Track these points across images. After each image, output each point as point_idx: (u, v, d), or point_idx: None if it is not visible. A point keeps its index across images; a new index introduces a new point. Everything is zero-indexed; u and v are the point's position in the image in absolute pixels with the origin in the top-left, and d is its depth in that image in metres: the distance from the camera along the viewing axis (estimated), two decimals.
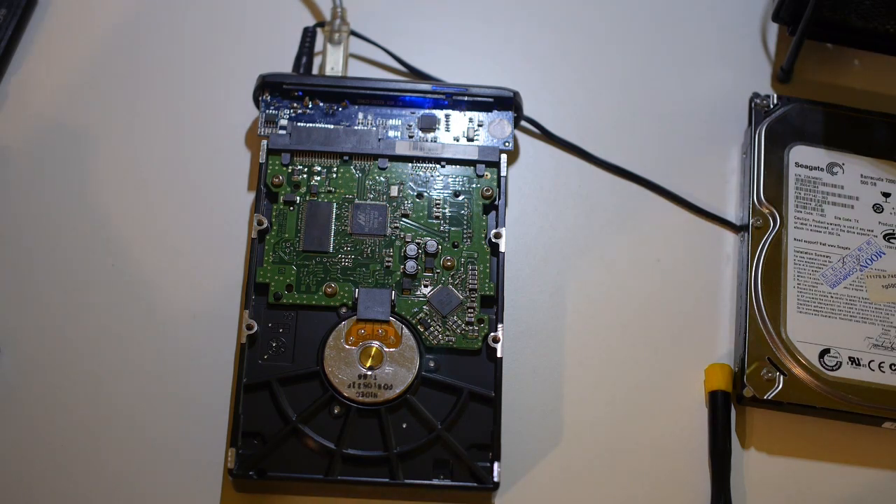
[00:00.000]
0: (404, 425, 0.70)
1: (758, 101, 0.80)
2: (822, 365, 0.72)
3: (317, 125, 0.77)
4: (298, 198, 0.75)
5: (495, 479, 0.68)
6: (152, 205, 0.77)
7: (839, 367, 0.72)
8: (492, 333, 0.72)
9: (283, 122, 0.77)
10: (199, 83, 0.82)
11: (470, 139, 0.78)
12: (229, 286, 0.75)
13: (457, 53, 0.84)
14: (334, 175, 0.76)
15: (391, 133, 0.78)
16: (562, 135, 0.81)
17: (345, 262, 0.74)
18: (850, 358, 0.72)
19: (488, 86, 0.79)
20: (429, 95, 0.78)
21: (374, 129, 0.77)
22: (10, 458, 0.70)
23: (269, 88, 0.78)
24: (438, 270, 0.74)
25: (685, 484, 0.72)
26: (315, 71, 0.81)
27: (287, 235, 0.74)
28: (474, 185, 0.76)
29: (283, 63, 0.81)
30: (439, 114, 0.78)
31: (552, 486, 0.71)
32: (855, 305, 0.74)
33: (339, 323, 0.72)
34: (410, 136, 0.78)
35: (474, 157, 0.77)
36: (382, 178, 0.76)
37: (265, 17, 0.84)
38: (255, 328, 0.71)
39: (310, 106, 0.78)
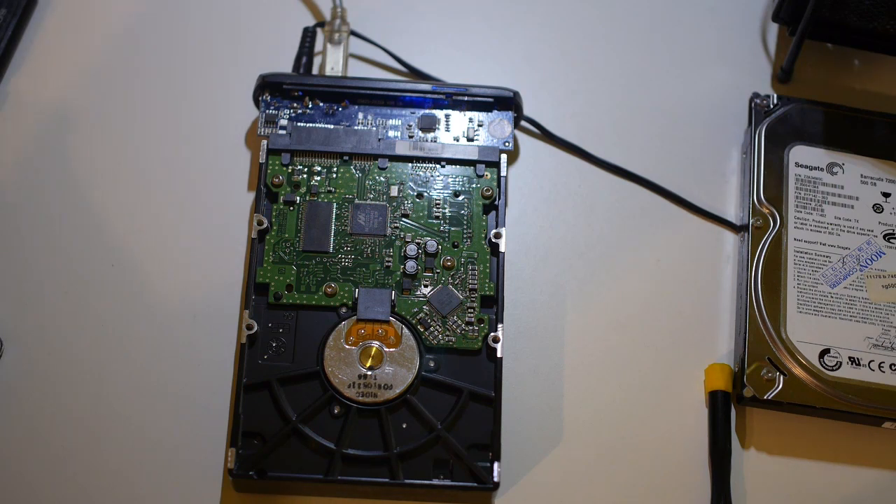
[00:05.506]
0: (404, 425, 0.70)
1: (758, 101, 0.80)
2: (822, 365, 0.72)
3: (317, 125, 0.77)
4: (298, 198, 0.75)
5: (495, 479, 0.68)
6: (152, 205, 0.77)
7: (839, 367, 0.72)
8: (492, 333, 0.72)
9: (283, 122, 0.77)
10: (199, 83, 0.82)
11: (470, 139, 0.78)
12: (229, 286, 0.75)
13: (457, 53, 0.84)
14: (334, 175, 0.76)
15: (391, 133, 0.77)
16: (562, 135, 0.81)
17: (345, 262, 0.74)
18: (850, 358, 0.72)
19: (488, 86, 0.79)
20: (429, 95, 0.78)
21: (374, 129, 0.77)
22: (10, 458, 0.70)
23: (269, 88, 0.78)
24: (438, 270, 0.74)
25: (685, 484, 0.72)
26: (315, 71, 0.81)
27: (287, 235, 0.74)
28: (474, 185, 0.76)
29: (283, 63, 0.81)
30: (439, 114, 0.78)
31: (552, 486, 0.71)
32: (855, 305, 0.74)
33: (339, 323, 0.72)
34: (410, 136, 0.78)
35: (474, 157, 0.77)
36: (382, 178, 0.76)
37: (265, 17, 0.84)
38: (255, 328, 0.71)
39: (310, 106, 0.78)
